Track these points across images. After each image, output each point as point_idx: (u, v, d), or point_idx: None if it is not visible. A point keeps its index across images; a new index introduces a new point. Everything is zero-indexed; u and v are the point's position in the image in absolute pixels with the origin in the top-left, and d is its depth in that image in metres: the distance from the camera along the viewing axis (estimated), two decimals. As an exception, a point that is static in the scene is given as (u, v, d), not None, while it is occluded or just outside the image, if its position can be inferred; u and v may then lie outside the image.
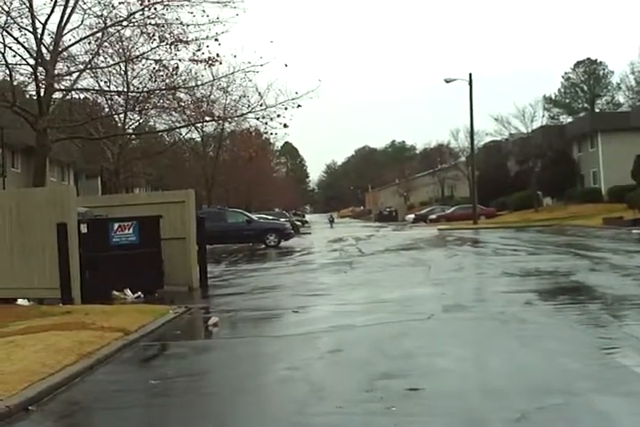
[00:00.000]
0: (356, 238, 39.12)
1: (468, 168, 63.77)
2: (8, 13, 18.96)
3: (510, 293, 13.29)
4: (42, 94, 19.72)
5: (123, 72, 27.27)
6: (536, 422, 5.70)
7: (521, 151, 62.21)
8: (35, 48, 19.55)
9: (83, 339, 9.35)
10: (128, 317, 11.61)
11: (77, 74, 21.64)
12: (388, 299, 13.31)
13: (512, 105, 74.31)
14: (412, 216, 73.20)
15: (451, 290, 14.26)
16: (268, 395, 7.13)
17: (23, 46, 19.79)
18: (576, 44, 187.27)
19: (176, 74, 22.28)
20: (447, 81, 52.66)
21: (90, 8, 20.05)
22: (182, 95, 22.51)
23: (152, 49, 21.28)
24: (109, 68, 24.77)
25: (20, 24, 19.35)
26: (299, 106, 20.76)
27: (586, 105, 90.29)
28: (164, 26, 20.40)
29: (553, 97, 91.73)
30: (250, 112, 22.17)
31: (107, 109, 29.77)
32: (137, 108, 25.78)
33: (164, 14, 20.11)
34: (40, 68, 19.60)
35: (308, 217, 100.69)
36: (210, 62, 21.04)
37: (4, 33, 19.31)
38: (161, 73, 22.37)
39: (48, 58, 19.72)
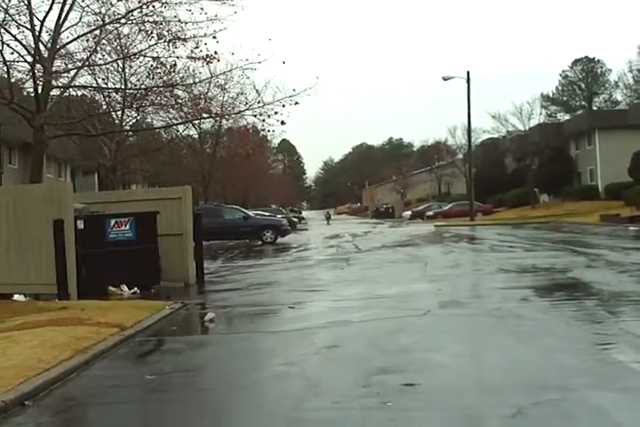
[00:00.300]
0: (353, 235, 39.12)
1: (466, 165, 63.81)
2: (6, 11, 18.93)
3: (507, 289, 13.31)
4: (39, 91, 19.68)
5: (120, 69, 27.29)
6: (532, 417, 5.71)
7: (518, 149, 62.28)
8: (32, 45, 19.53)
9: (79, 334, 9.35)
10: (124, 312, 11.61)
11: (75, 71, 21.59)
12: (384, 295, 13.33)
13: (510, 103, 74.79)
14: (409, 213, 73.27)
15: (447, 286, 14.28)
16: (264, 390, 7.13)
17: (21, 43, 19.77)
18: (574, 42, 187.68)
19: (174, 71, 22.26)
20: (445, 79, 52.74)
21: (88, 5, 20.07)
22: (180, 92, 22.49)
23: (150, 46, 21.26)
24: (107, 66, 24.74)
25: (18, 21, 19.32)
26: (296, 103, 20.74)
27: (583, 103, 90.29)
28: (162, 23, 20.38)
29: (550, 95, 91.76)
30: (247, 109, 22.13)
31: (104, 106, 29.66)
32: (134, 106, 25.78)
33: (162, 12, 20.12)
34: (38, 66, 19.56)
35: (304, 214, 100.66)
36: (208, 60, 21.04)
37: (2, 30, 19.28)
38: (159, 70, 22.34)
39: (46, 55, 19.69)
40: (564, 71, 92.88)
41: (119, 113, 30.90)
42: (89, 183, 49.96)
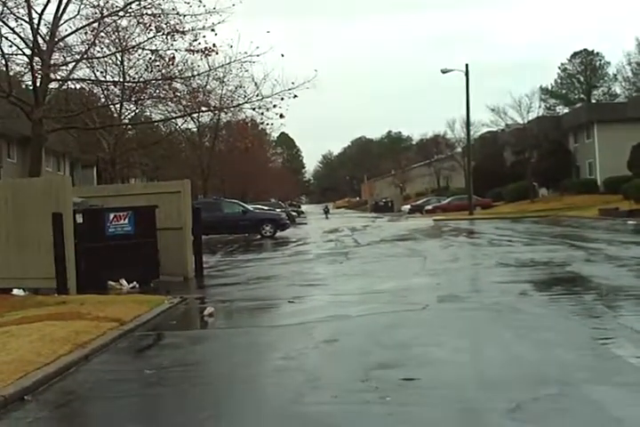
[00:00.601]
0: (352, 229, 39.13)
1: (464, 159, 63.73)
2: (4, 3, 18.92)
3: (505, 283, 13.32)
4: (38, 84, 19.66)
5: (119, 62, 27.25)
6: (531, 412, 5.71)
7: (517, 142, 62.20)
8: (31, 38, 19.51)
9: (78, 329, 9.34)
10: (123, 307, 11.60)
11: (73, 64, 21.59)
12: (383, 289, 13.34)
13: (508, 96, 74.49)
14: (408, 207, 73.28)
15: (446, 280, 14.29)
16: (263, 385, 7.13)
17: (19, 36, 19.76)
18: (573, 35, 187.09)
19: (172, 64, 22.23)
20: (444, 71, 52.69)
21: (86, -2, 20.01)
22: (178, 85, 22.50)
23: (148, 39, 21.26)
24: (105, 59, 24.71)
25: (17, 14, 19.33)
26: (295, 96, 20.76)
27: (582, 96, 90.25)
28: (160, 16, 20.37)
29: (549, 88, 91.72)
30: (246, 102, 22.16)
31: (103, 100, 29.68)
32: (133, 99, 25.77)
33: (160, 4, 20.13)
34: (36, 59, 19.55)
35: (303, 207, 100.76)
36: (206, 52, 21.03)
37: (1, 23, 19.26)
38: (157, 63, 22.35)
39: (44, 48, 19.68)
40: (562, 64, 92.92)
41: (118, 106, 30.87)
42: (87, 177, 49.97)
